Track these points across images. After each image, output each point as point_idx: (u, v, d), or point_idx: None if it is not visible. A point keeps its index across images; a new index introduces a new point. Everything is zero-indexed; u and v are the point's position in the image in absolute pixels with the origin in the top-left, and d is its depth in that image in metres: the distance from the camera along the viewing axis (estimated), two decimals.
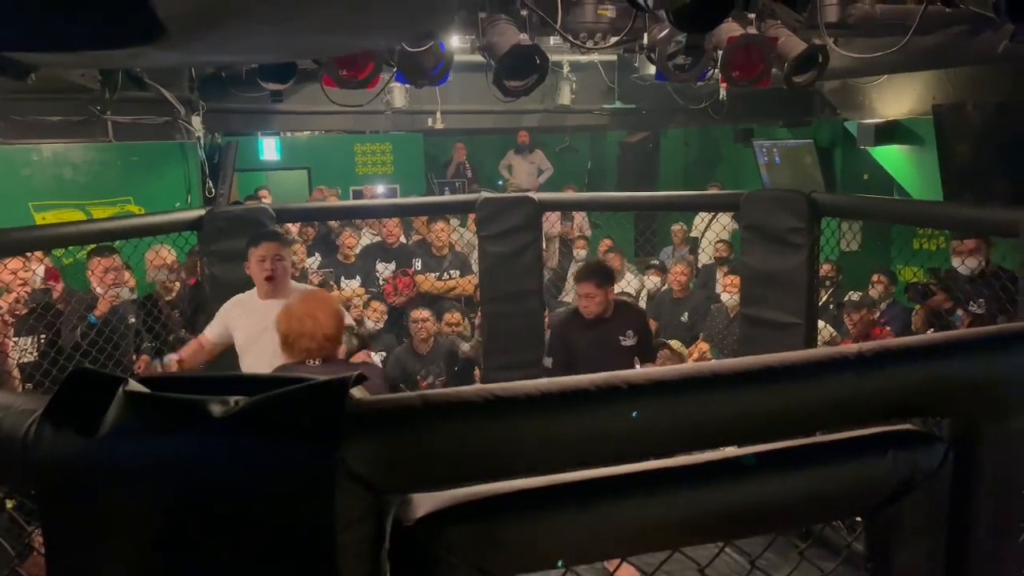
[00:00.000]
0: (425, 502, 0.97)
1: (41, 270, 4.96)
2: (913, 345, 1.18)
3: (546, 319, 5.40)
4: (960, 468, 1.16)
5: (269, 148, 10.12)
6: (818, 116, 7.85)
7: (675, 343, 6.00)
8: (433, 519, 0.95)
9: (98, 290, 4.77)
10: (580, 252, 8.64)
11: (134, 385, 0.92)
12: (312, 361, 2.83)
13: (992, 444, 1.17)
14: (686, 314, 6.71)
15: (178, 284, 5.42)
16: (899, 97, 6.34)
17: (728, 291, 6.13)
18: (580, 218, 9.54)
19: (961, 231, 4.49)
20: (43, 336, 4.62)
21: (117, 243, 4.72)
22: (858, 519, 1.22)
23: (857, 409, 1.16)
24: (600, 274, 4.29)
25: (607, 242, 8.26)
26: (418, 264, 6.83)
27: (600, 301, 4.16)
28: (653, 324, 6.48)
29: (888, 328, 5.37)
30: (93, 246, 4.80)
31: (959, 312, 4.54)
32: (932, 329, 4.74)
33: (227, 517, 0.87)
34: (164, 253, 5.28)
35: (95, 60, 2.93)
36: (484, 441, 0.98)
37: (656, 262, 8.04)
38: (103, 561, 0.88)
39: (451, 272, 6.79)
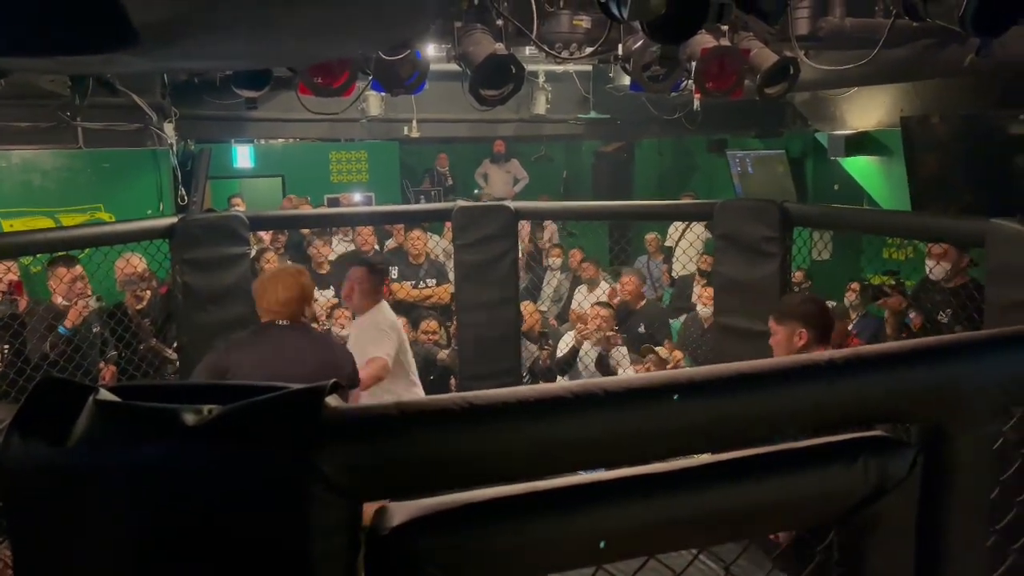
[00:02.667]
0: (401, 511, 0.97)
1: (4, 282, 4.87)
2: (883, 353, 1.20)
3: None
4: (929, 474, 1.18)
5: (243, 155, 10.04)
6: (790, 127, 7.95)
7: (662, 350, 6.00)
8: (409, 528, 0.95)
9: (61, 300, 4.71)
10: (555, 260, 8.66)
11: (104, 394, 0.91)
12: (280, 322, 3.32)
13: (960, 450, 1.19)
14: (642, 324, 6.68)
15: (149, 293, 5.35)
16: (868, 109, 6.45)
17: (704, 303, 6.16)
18: (551, 228, 9.57)
19: (929, 240, 4.56)
20: (7, 347, 4.54)
21: (87, 251, 4.65)
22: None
23: (828, 416, 1.18)
24: (782, 309, 3.23)
25: (577, 252, 8.28)
26: (394, 273, 6.81)
27: (780, 342, 3.15)
28: (619, 337, 6.49)
29: (859, 339, 5.44)
30: (59, 254, 4.74)
31: (911, 315, 4.61)
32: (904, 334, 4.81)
33: (200, 527, 0.86)
34: (135, 261, 5.21)
35: (67, 65, 2.90)
36: (460, 449, 0.98)
37: (628, 269, 8.06)
38: (74, 573, 0.87)
39: (427, 280, 6.77)
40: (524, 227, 7.45)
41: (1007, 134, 5.27)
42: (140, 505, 0.86)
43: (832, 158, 7.18)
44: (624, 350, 5.72)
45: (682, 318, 6.78)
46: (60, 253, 4.67)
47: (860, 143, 6.79)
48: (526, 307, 6.68)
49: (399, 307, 6.37)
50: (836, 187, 8.04)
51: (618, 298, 6.64)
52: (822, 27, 4.34)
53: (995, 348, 1.26)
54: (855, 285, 6.09)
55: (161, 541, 0.86)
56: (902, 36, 4.33)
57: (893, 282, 4.84)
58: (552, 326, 7.09)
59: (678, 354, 6.25)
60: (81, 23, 1.11)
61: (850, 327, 5.65)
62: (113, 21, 1.07)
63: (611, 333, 5.88)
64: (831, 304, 5.66)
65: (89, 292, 4.83)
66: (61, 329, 4.48)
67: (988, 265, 3.23)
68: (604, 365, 5.65)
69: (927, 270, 4.78)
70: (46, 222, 6.34)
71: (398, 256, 7.09)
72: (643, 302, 6.68)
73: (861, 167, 7.09)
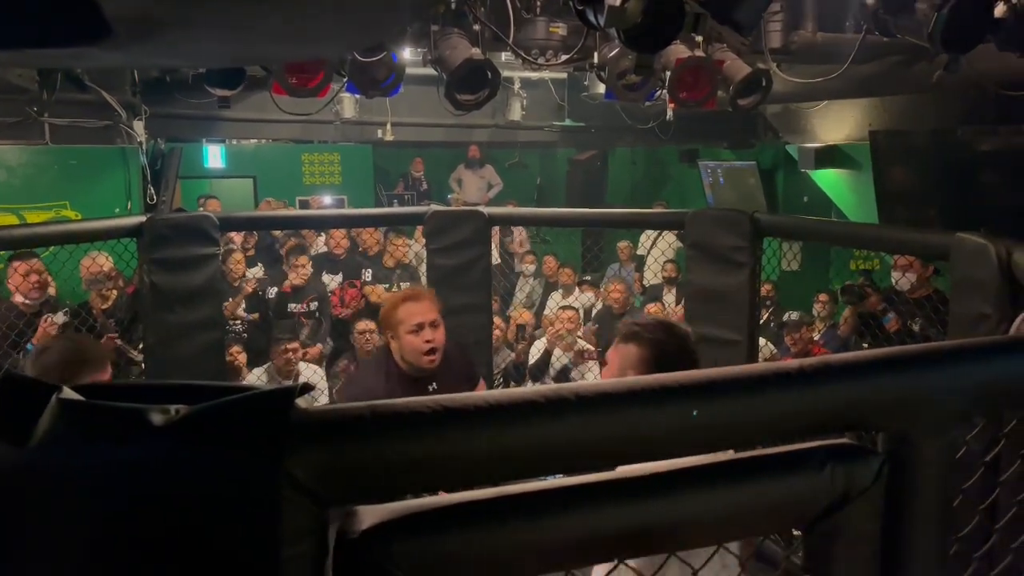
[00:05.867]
0: (371, 514, 0.96)
1: None
2: (851, 361, 1.22)
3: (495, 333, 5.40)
4: (894, 482, 1.19)
5: (214, 155, 9.94)
6: (761, 139, 8.05)
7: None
8: (379, 532, 0.94)
9: (20, 299, 4.62)
10: (528, 267, 8.68)
11: (68, 393, 0.89)
12: None
13: (926, 458, 1.21)
14: None
15: (115, 292, 5.26)
16: (838, 122, 6.55)
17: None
18: (520, 233, 9.61)
19: (895, 253, 4.64)
20: None
21: (51, 249, 4.57)
22: (796, 532, 1.25)
23: (797, 423, 1.19)
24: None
25: (550, 259, 8.33)
26: (367, 275, 6.77)
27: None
28: (594, 353, 6.56)
29: (824, 350, 5.52)
30: (19, 251, 4.65)
31: (891, 313, 4.69)
32: (862, 337, 4.90)
33: (166, 530, 0.84)
34: (101, 260, 5.13)
35: (35, 59, 2.84)
36: (432, 453, 0.97)
37: (588, 278, 8.12)
38: (33, 574, 0.84)
39: (400, 284, 6.75)
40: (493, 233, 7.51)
41: (973, 150, 5.37)
42: (103, 507, 0.84)
43: (802, 170, 7.28)
44: (596, 369, 5.75)
45: None
46: (21, 250, 4.58)
47: (830, 156, 6.89)
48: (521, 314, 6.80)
49: (372, 310, 6.34)
50: (805, 199, 8.16)
51: (599, 304, 6.74)
52: (794, 41, 4.41)
53: (960, 358, 1.29)
54: (824, 296, 6.18)
55: (125, 544, 0.84)
56: (872, 52, 4.41)
57: (867, 282, 4.91)
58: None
59: None
60: (51, 15, 1.09)
61: (816, 336, 5.73)
62: (85, 14, 1.05)
63: (584, 348, 5.92)
64: (798, 314, 5.76)
65: (52, 289, 4.73)
66: (30, 347, 4.39)
67: (952, 278, 3.29)
68: (565, 379, 5.67)
69: (893, 281, 4.86)
70: (10, 219, 6.22)
71: (370, 260, 7.06)
72: (628, 308, 6.81)
73: (830, 179, 7.19)
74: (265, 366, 5.67)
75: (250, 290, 6.24)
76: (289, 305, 6.33)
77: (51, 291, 4.98)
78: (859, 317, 4.89)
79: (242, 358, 5.69)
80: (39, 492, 0.84)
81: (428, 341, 3.10)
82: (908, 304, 4.71)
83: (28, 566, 0.85)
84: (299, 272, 6.32)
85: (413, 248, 7.04)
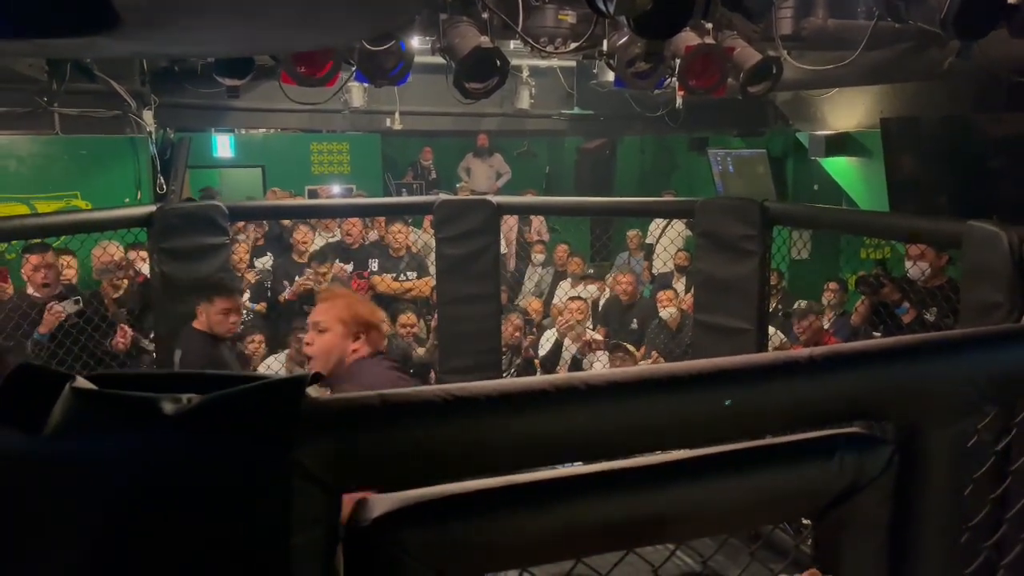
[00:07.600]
0: (381, 503, 0.96)
1: None
2: (862, 350, 1.21)
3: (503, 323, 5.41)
4: (905, 471, 1.19)
5: (223, 145, 9.96)
6: (771, 127, 7.99)
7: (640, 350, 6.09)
8: (389, 520, 0.94)
9: (31, 288, 4.64)
10: (538, 256, 8.67)
11: (81, 382, 0.89)
12: None
13: (936, 447, 1.20)
14: (635, 320, 6.83)
15: (126, 282, 5.29)
16: (849, 110, 6.50)
17: (663, 305, 6.29)
18: (538, 223, 9.60)
19: (907, 241, 4.61)
20: None
21: (62, 238, 4.59)
22: (806, 521, 1.25)
23: (807, 412, 1.19)
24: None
25: (563, 247, 8.33)
26: (375, 265, 6.78)
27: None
28: (603, 331, 6.56)
29: (835, 339, 5.50)
30: (33, 241, 4.67)
31: (906, 304, 4.66)
32: (875, 327, 4.87)
33: (177, 518, 0.85)
34: (112, 249, 5.15)
35: (46, 49, 2.85)
36: (442, 441, 0.97)
37: (591, 271, 8.13)
38: (47, 562, 0.85)
39: (408, 274, 6.76)
40: (507, 221, 7.52)
41: (985, 137, 5.33)
42: (115, 494, 0.85)
43: (812, 158, 7.23)
44: (604, 357, 5.75)
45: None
46: (35, 240, 4.60)
47: (840, 144, 6.84)
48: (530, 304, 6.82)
49: (380, 300, 6.34)
50: (816, 187, 8.11)
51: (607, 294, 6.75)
52: (805, 27, 4.37)
53: (970, 347, 1.28)
54: (833, 284, 6.15)
55: (135, 531, 0.85)
56: (883, 38, 4.37)
57: (883, 272, 4.88)
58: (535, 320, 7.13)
59: (654, 352, 6.32)
60: (61, 5, 1.09)
61: (826, 326, 5.71)
62: (94, 3, 1.05)
63: (592, 338, 5.93)
64: (806, 303, 5.74)
65: (72, 271, 4.75)
66: (37, 336, 4.41)
67: (964, 266, 3.27)
68: (577, 369, 5.68)
69: (905, 270, 4.83)
70: (21, 208, 6.26)
71: (379, 249, 7.06)
72: (637, 299, 6.81)
73: (841, 167, 7.14)
74: (277, 355, 5.70)
75: (252, 280, 6.26)
76: (305, 307, 6.33)
77: (70, 274, 5.00)
78: (872, 307, 4.86)
79: (260, 347, 5.71)
80: (53, 479, 0.85)
81: (306, 344, 2.74)
82: (921, 293, 4.69)
83: (42, 553, 0.85)
84: (321, 277, 6.29)
85: (422, 238, 7.04)
